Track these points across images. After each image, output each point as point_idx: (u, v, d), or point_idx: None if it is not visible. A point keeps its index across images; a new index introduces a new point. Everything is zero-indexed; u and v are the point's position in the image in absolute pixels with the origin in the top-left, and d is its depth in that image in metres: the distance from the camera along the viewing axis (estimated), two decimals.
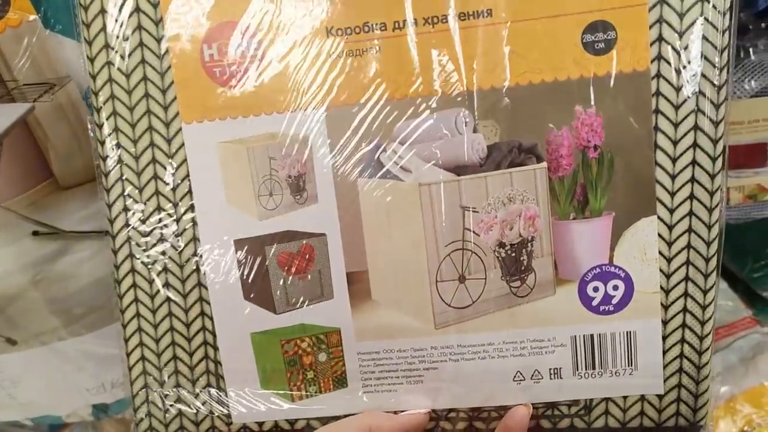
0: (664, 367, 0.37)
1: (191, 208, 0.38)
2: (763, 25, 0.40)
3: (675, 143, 0.34)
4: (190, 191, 0.38)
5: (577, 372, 0.37)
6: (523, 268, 0.37)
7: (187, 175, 0.38)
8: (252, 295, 0.38)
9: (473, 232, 0.36)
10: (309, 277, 0.38)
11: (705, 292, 0.36)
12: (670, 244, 0.35)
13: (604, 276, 0.36)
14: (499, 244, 0.36)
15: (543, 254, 0.37)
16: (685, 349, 0.37)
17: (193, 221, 0.38)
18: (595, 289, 0.36)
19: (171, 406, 0.40)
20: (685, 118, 0.34)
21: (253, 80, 0.36)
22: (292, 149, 0.37)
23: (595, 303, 0.36)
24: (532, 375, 0.37)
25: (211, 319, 0.39)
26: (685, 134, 0.34)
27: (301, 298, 0.38)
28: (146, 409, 0.40)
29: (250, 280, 0.38)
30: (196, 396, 0.40)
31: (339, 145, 0.36)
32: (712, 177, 0.34)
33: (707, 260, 0.35)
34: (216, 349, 0.39)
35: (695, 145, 0.34)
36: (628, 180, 0.35)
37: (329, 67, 0.36)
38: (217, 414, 0.40)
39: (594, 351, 0.37)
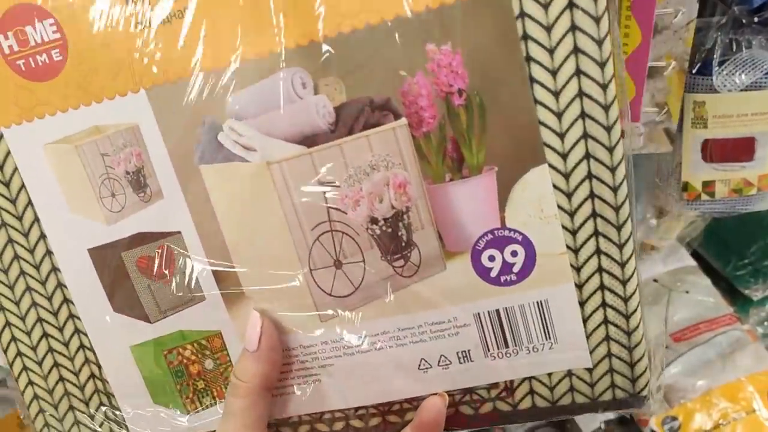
0: (588, 336, 0.36)
1: (37, 220, 0.40)
2: (756, 19, 0.42)
3: (554, 73, 0.32)
4: (30, 202, 0.40)
5: (489, 353, 0.37)
6: (403, 244, 0.37)
7: (23, 186, 0.39)
8: (121, 307, 0.41)
9: (339, 210, 0.36)
10: (174, 280, 0.39)
11: (621, 246, 0.35)
12: (569, 196, 0.34)
13: (498, 242, 0.35)
14: (370, 221, 0.36)
15: (423, 225, 0.36)
16: (609, 313, 0.36)
17: (42, 234, 0.40)
18: (491, 258, 0.36)
19: (71, 428, 0.44)
20: (561, 40, 0.32)
21: (62, 68, 0.37)
22: (123, 142, 0.37)
23: (493, 274, 0.36)
24: (439, 361, 0.38)
25: (87, 335, 0.41)
26: (565, 60, 0.32)
27: (173, 304, 0.40)
28: None
29: (115, 291, 0.40)
30: (92, 417, 0.43)
31: (171, 130, 0.37)
32: (606, 108, 0.32)
33: (617, 209, 0.34)
34: (99, 366, 0.42)
35: (579, 72, 0.32)
36: (506, 126, 0.34)
37: (141, 42, 0.36)
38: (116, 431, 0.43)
39: (503, 327, 0.37)
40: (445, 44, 0.32)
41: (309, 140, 0.35)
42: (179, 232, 0.38)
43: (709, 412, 0.48)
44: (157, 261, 0.39)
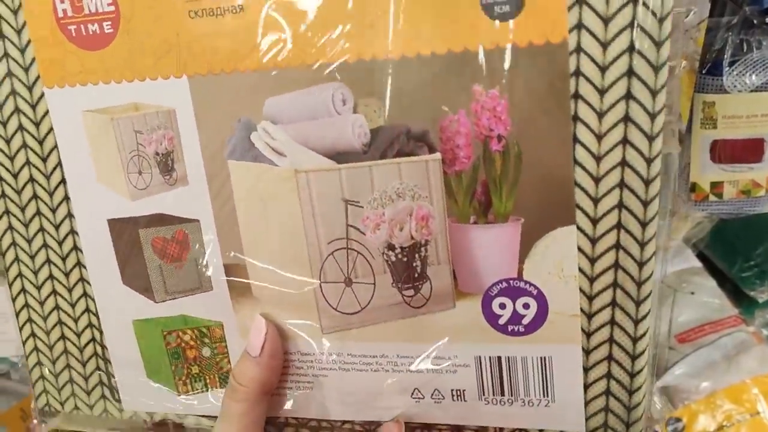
0: (587, 403, 0.37)
1: (63, 181, 0.41)
2: (767, 20, 0.42)
3: (600, 137, 0.32)
4: (60, 164, 0.41)
5: (483, 397, 0.38)
6: (416, 275, 0.37)
7: (56, 146, 0.41)
8: (130, 280, 0.42)
9: (358, 229, 0.37)
10: (185, 266, 0.41)
11: (636, 322, 0.35)
12: (593, 261, 0.34)
13: (511, 292, 0.36)
14: (388, 246, 0.37)
15: (439, 261, 0.37)
16: (612, 385, 0.36)
17: (66, 196, 0.41)
18: (502, 306, 0.36)
19: (64, 385, 0.46)
20: (613, 106, 0.32)
21: (112, 41, 0.38)
22: (158, 123, 0.38)
23: (502, 321, 0.36)
24: (433, 394, 0.39)
25: (94, 300, 0.43)
26: (613, 127, 0.32)
27: (180, 288, 0.41)
28: (42, 386, 0.46)
29: (127, 264, 0.42)
30: (87, 379, 0.45)
31: (206, 121, 0.37)
32: (647, 182, 0.32)
33: (639, 284, 0.34)
34: (101, 332, 0.44)
35: (625, 141, 0.32)
36: (541, 180, 0.34)
37: (192, 27, 0.36)
38: (109, 398, 0.45)
39: (503, 375, 0.37)
40: (493, 88, 0.33)
41: (340, 157, 0.36)
42: (198, 221, 0.39)
43: (713, 414, 0.48)
44: (171, 244, 0.40)
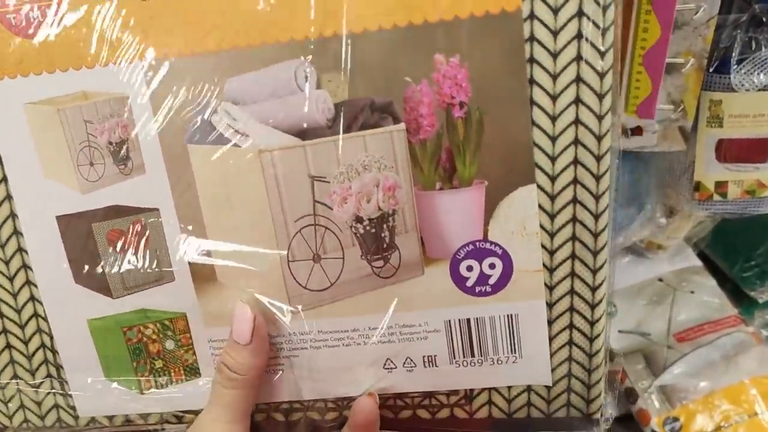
0: (552, 354, 0.39)
1: (4, 180, 0.40)
2: None
3: (554, 98, 0.35)
4: (0, 162, 0.39)
5: (454, 360, 0.40)
6: (385, 245, 0.38)
7: None
8: (84, 279, 0.41)
9: (325, 205, 0.38)
10: (144, 257, 0.40)
11: (594, 272, 0.37)
12: (552, 217, 0.37)
13: (478, 253, 0.38)
14: (355, 219, 0.38)
15: (407, 230, 0.38)
16: (575, 335, 0.39)
17: (8, 194, 0.40)
18: (469, 269, 0.38)
19: (11, 398, 0.44)
20: (566, 68, 0.34)
21: (55, 27, 0.37)
22: (109, 111, 0.38)
23: (469, 284, 0.38)
24: (405, 362, 0.40)
25: (42, 304, 0.42)
26: (566, 87, 0.35)
27: (139, 282, 0.40)
28: None
29: (79, 262, 0.41)
30: (37, 388, 0.43)
31: (164, 105, 0.37)
32: (599, 138, 0.35)
33: (596, 235, 0.37)
34: (51, 336, 0.42)
35: (578, 100, 0.35)
36: (501, 143, 0.36)
37: (143, 10, 0.36)
38: (62, 406, 0.44)
39: (472, 337, 0.39)
40: (453, 56, 0.35)
41: (305, 133, 0.37)
42: (157, 209, 0.39)
43: (711, 414, 0.48)
44: (129, 236, 0.39)
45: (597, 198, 0.36)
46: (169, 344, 0.41)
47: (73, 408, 0.43)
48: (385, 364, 0.40)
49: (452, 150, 0.36)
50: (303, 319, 0.39)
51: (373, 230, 0.38)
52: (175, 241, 0.39)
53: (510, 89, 0.35)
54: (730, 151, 0.46)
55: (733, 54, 0.43)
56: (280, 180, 0.37)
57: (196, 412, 0.42)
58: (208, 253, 0.39)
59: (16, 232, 0.40)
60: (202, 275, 0.40)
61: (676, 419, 0.50)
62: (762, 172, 0.46)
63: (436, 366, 0.40)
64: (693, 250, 0.60)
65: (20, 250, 0.41)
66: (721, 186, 0.47)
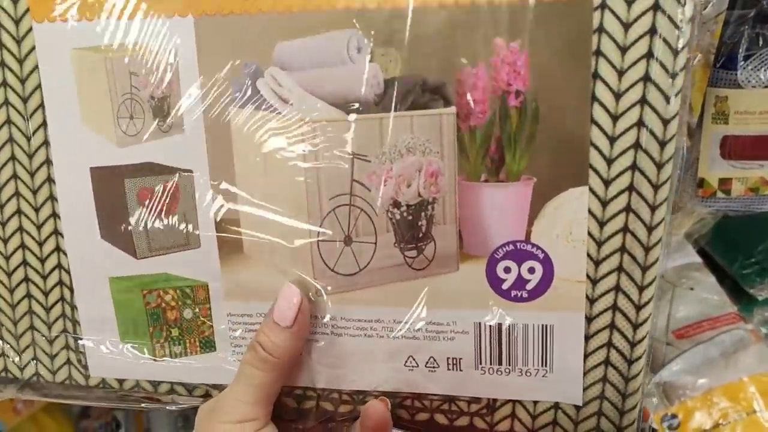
0: (585, 373, 0.37)
1: (44, 125, 0.40)
2: None
3: (618, 96, 0.33)
4: (42, 105, 0.39)
5: (480, 365, 0.38)
6: (420, 235, 0.37)
7: (39, 86, 0.39)
8: (110, 235, 0.40)
9: (363, 185, 0.36)
10: (172, 220, 0.39)
11: (641, 288, 0.35)
12: (602, 224, 0.35)
13: (518, 255, 0.36)
14: (393, 204, 0.36)
15: (445, 221, 0.37)
16: (612, 355, 0.36)
17: (46, 141, 0.40)
18: (507, 270, 0.36)
19: (26, 349, 0.43)
20: (634, 64, 0.32)
21: None
22: (156, 64, 0.37)
23: (505, 286, 0.36)
24: (427, 362, 0.38)
25: (67, 255, 0.41)
26: (632, 86, 0.33)
27: (165, 244, 0.40)
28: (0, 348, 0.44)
29: (107, 217, 0.40)
30: (51, 342, 0.43)
31: (209, 65, 0.37)
32: (662, 144, 0.33)
33: (648, 249, 0.35)
34: (72, 291, 0.42)
35: (644, 101, 0.33)
36: (555, 139, 0.34)
37: None
38: (74, 364, 0.43)
39: (502, 343, 0.37)
40: (514, 41, 0.33)
41: (350, 108, 0.35)
42: (191, 171, 0.38)
43: (709, 412, 0.49)
44: (160, 196, 0.39)
45: (653, 209, 0.34)
46: (188, 313, 0.41)
47: (85, 367, 0.43)
48: (406, 361, 0.38)
49: (503, 141, 0.35)
50: (327, 303, 0.38)
51: (410, 217, 0.36)
52: (205, 206, 0.38)
53: (571, 81, 0.33)
54: (735, 148, 0.45)
55: (740, 50, 0.42)
56: (320, 153, 0.36)
57: (208, 386, 0.41)
58: (237, 221, 0.38)
59: (50, 180, 0.40)
60: (229, 245, 0.39)
61: (674, 416, 0.49)
62: (766, 169, 0.46)
63: (461, 370, 0.38)
64: (693, 246, 0.59)
65: (51, 198, 0.40)
66: (724, 183, 0.46)
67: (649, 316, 0.36)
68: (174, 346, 0.41)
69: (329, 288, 0.38)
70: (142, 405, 0.44)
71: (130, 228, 0.40)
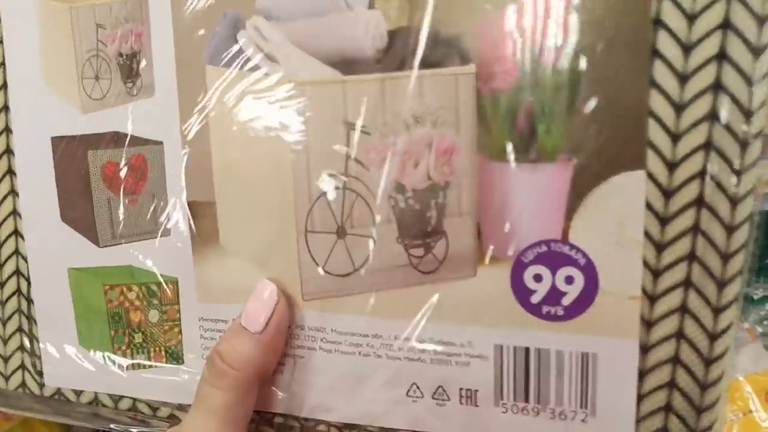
0: (639, 420, 0.29)
1: (4, 86, 0.35)
2: None
3: (688, 49, 0.25)
4: (3, 63, 0.35)
5: (501, 401, 0.30)
6: (429, 228, 0.30)
7: (0, 40, 0.34)
8: (71, 217, 0.35)
9: (360, 164, 0.30)
10: (139, 201, 0.34)
11: (717, 311, 0.27)
12: (664, 221, 0.27)
13: (552, 259, 0.28)
14: (396, 188, 0.30)
15: (461, 212, 0.29)
16: (676, 400, 0.28)
17: (6, 106, 0.35)
18: (537, 278, 0.29)
19: None
20: (708, 7, 0.25)
21: None
22: (125, 15, 0.32)
23: (535, 299, 0.29)
24: (435, 392, 0.31)
25: (23, 238, 0.36)
26: (707, 35, 0.25)
27: (130, 231, 0.34)
28: None
29: (68, 196, 0.35)
30: (6, 341, 0.38)
31: (184, 14, 0.31)
32: (747, 113, 0.25)
33: (726, 257, 0.26)
34: (29, 282, 0.36)
35: (722, 55, 0.25)
36: (604, 107, 0.27)
37: None
38: (29, 369, 0.38)
39: (529, 373, 0.29)
40: None
41: (346, 65, 0.29)
42: (161, 143, 0.32)
43: None
44: (125, 171, 0.33)
45: (735, 202, 0.26)
46: (153, 315, 0.34)
47: (40, 373, 0.37)
48: (409, 390, 0.31)
49: (533, 109, 0.27)
50: (316, 310, 0.31)
51: (417, 206, 0.29)
52: (177, 185, 0.33)
53: (627, 29, 0.26)
54: None
55: None
56: (309, 122, 0.30)
57: (173, 406, 0.35)
58: (213, 204, 0.32)
59: (8, 151, 0.35)
60: (203, 235, 0.33)
61: None
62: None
63: (476, 405, 0.30)
64: None
65: (10, 172, 0.36)
66: None
67: (726, 349, 0.27)
68: (137, 354, 0.35)
69: (318, 291, 0.31)
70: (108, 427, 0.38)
71: (92, 210, 0.34)
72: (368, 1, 0.28)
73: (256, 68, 0.30)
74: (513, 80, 0.27)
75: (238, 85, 0.31)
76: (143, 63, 0.32)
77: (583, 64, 0.26)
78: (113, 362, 0.36)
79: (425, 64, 0.28)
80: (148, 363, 0.35)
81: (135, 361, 0.35)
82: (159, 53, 0.32)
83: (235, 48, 0.30)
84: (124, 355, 0.35)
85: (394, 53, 0.28)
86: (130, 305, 0.35)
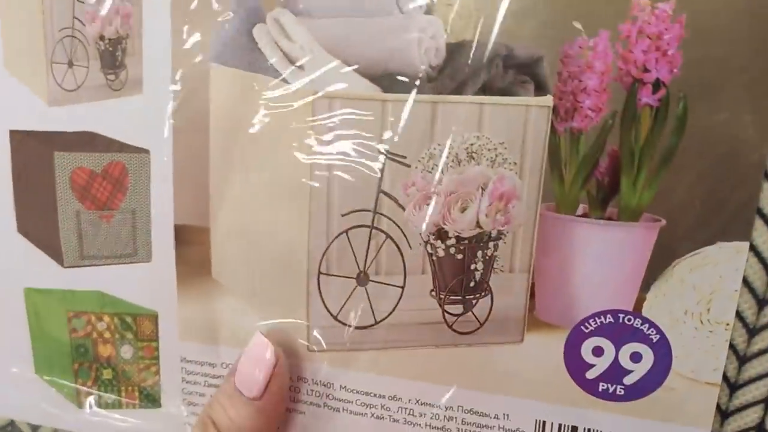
0: None
1: None
2: None
3: None
4: None
5: None
6: (472, 284, 0.25)
7: None
8: (30, 229, 0.29)
9: (395, 200, 0.24)
10: (115, 217, 0.27)
11: None
12: (763, 303, 0.22)
13: (618, 332, 0.24)
14: (436, 234, 0.24)
15: (513, 268, 0.24)
16: None
17: None
18: (597, 352, 0.24)
19: None
20: None
21: None
22: None
23: (591, 375, 0.24)
24: None
25: None
26: None
27: (103, 251, 0.28)
28: None
29: (27, 203, 0.29)
30: None
31: None
32: None
33: None
34: None
35: None
36: (707, 160, 0.22)
37: None
38: None
39: None
40: (664, 0, 0.20)
41: (389, 81, 0.23)
42: (147, 152, 0.26)
43: None
44: (100, 181, 0.27)
45: None
46: (126, 351, 0.29)
47: None
48: None
49: (621, 157, 0.22)
50: (324, 362, 0.26)
51: (460, 256, 0.24)
52: (163, 204, 0.27)
53: (752, 74, 0.21)
54: None
55: None
56: (336, 144, 0.24)
57: None
58: (206, 230, 0.26)
59: None
60: (191, 264, 0.27)
61: None
62: None
63: None
64: None
65: None
66: None
67: None
68: (105, 392, 0.30)
69: (328, 342, 0.26)
70: None
71: (56, 222, 0.28)
72: (426, 5, 0.23)
73: (273, 72, 0.24)
74: (599, 118, 0.22)
75: (249, 91, 0.25)
76: (130, 53, 0.26)
77: (687, 106, 0.21)
78: (76, 398, 0.30)
79: (490, 89, 0.23)
80: (117, 404, 0.30)
81: (102, 400, 0.30)
82: (151, 41, 0.26)
83: (249, 45, 0.24)
84: (89, 392, 0.30)
85: (453, 72, 0.23)
86: (99, 337, 0.29)
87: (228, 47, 0.25)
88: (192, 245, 0.27)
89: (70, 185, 0.28)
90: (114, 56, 0.26)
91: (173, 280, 0.28)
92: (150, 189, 0.27)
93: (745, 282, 0.22)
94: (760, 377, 0.23)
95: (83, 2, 0.26)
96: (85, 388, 0.30)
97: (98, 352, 0.29)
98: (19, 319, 0.30)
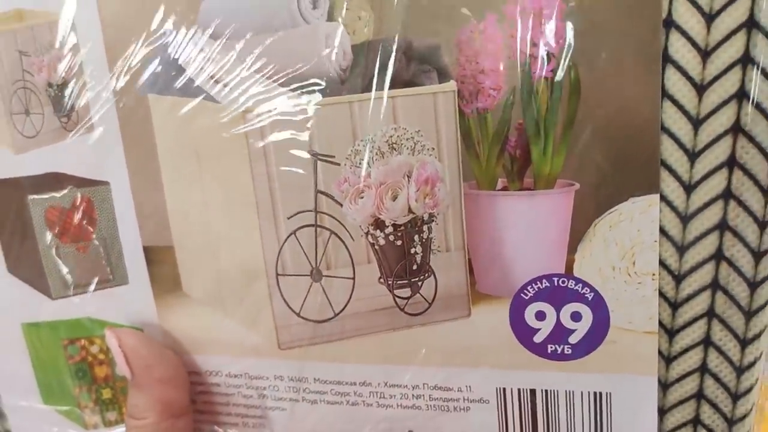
0: None
1: None
2: None
3: (706, 54, 0.21)
4: None
5: None
6: (415, 267, 0.26)
7: None
8: (18, 268, 0.31)
9: (332, 198, 0.26)
10: (90, 247, 0.30)
11: (745, 343, 0.24)
12: (682, 249, 0.23)
13: (556, 295, 0.25)
14: (374, 224, 0.26)
15: (449, 247, 0.26)
16: None
17: None
18: (540, 316, 0.25)
19: None
20: (730, 3, 0.21)
21: None
22: (50, 39, 0.27)
23: (538, 338, 0.25)
24: None
25: None
26: (729, 36, 0.21)
27: (84, 280, 0.30)
28: None
29: (12, 246, 0.31)
30: None
31: (118, 35, 0.27)
32: None
33: (754, 285, 0.23)
34: None
35: (746, 58, 0.21)
36: (608, 123, 0.23)
37: None
38: None
39: (537, 419, 0.26)
40: None
41: (305, 88, 0.25)
42: (107, 184, 0.28)
43: None
44: (71, 216, 0.29)
45: (763, 224, 0.22)
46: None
47: None
48: None
49: (527, 129, 0.23)
50: (294, 359, 0.28)
51: (399, 242, 0.26)
52: (129, 229, 0.28)
53: (632, 36, 0.21)
54: None
55: None
56: (271, 154, 0.26)
57: None
58: (171, 249, 0.28)
59: None
60: (165, 281, 0.29)
61: None
62: None
63: None
64: None
65: None
66: None
67: (756, 381, 0.24)
68: (107, 411, 0.32)
69: (294, 339, 0.27)
70: None
71: (39, 259, 0.30)
72: (326, 13, 0.24)
73: (204, 95, 0.26)
74: (500, 97, 0.23)
75: (187, 115, 0.26)
76: (77, 95, 0.27)
77: (577, 74, 0.22)
78: (81, 421, 0.32)
79: (398, 82, 0.24)
80: (119, 420, 0.32)
81: (105, 418, 0.32)
82: (95, 82, 0.27)
83: (179, 72, 0.26)
84: (92, 412, 0.32)
85: (361, 71, 0.24)
86: (94, 359, 0.31)
87: (160, 77, 0.26)
88: (162, 264, 0.29)
89: (45, 224, 0.30)
90: (62, 100, 0.28)
91: (150, 298, 0.29)
92: (115, 217, 0.29)
93: (663, 232, 0.23)
94: (694, 320, 0.24)
95: (29, 55, 0.28)
96: (87, 410, 0.32)
97: (95, 374, 0.31)
98: (21, 353, 0.32)
